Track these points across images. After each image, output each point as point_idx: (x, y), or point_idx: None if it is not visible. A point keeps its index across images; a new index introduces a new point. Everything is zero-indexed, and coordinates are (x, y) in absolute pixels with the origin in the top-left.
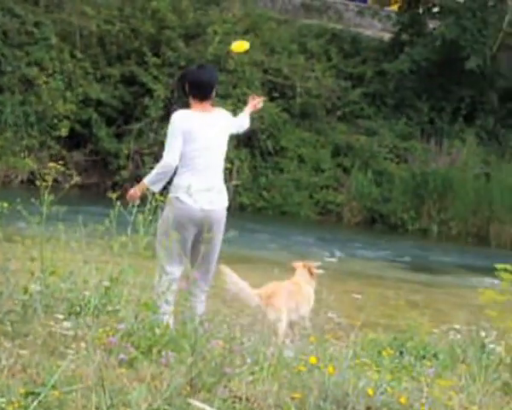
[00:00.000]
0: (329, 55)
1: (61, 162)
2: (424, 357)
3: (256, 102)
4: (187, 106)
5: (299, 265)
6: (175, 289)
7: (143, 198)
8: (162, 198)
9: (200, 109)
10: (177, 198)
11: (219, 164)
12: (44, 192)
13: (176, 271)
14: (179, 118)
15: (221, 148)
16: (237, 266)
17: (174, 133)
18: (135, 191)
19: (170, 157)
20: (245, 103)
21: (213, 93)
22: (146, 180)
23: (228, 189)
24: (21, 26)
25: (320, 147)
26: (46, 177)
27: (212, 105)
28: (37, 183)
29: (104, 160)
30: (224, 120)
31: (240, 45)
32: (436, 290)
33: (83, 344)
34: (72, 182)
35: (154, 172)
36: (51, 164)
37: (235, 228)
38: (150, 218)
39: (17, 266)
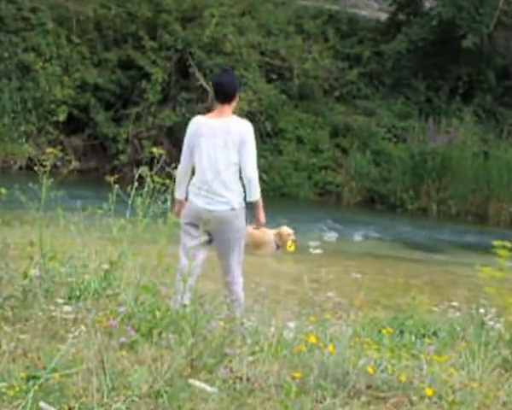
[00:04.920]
0: (326, 35)
1: (59, 147)
2: (424, 335)
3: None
4: (184, 89)
5: None
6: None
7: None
8: (160, 180)
9: (216, 114)
10: (187, 199)
11: (223, 170)
12: (43, 177)
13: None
14: (191, 125)
15: (225, 156)
16: None
17: (185, 140)
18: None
19: (180, 164)
20: (243, 85)
21: (233, 98)
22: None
23: None
24: (18, 11)
25: (318, 128)
26: (44, 162)
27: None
28: (36, 168)
29: (102, 144)
30: (233, 135)
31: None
32: (435, 269)
33: (83, 328)
34: (71, 167)
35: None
36: (49, 149)
37: None
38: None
39: (16, 251)
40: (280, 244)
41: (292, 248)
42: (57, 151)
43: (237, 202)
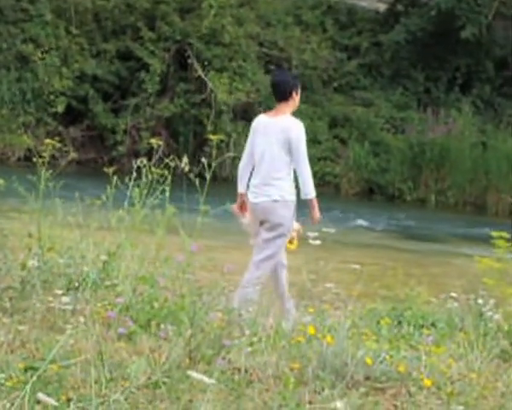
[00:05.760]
0: (325, 26)
1: (57, 138)
2: (422, 326)
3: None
4: (182, 80)
5: None
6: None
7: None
8: (158, 171)
9: (273, 113)
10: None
11: (269, 166)
12: (41, 169)
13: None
14: (254, 122)
15: (271, 154)
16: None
17: (248, 137)
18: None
19: (242, 159)
20: (241, 76)
21: (288, 96)
22: None
23: (223, 161)
24: (16, 2)
25: (317, 119)
26: (43, 153)
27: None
28: (34, 159)
29: (101, 135)
30: (281, 133)
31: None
32: (434, 259)
33: (81, 319)
34: (69, 158)
35: None
36: (48, 140)
37: (233, 200)
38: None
39: (15, 242)
40: None
41: (292, 247)
42: (55, 142)
43: (279, 195)
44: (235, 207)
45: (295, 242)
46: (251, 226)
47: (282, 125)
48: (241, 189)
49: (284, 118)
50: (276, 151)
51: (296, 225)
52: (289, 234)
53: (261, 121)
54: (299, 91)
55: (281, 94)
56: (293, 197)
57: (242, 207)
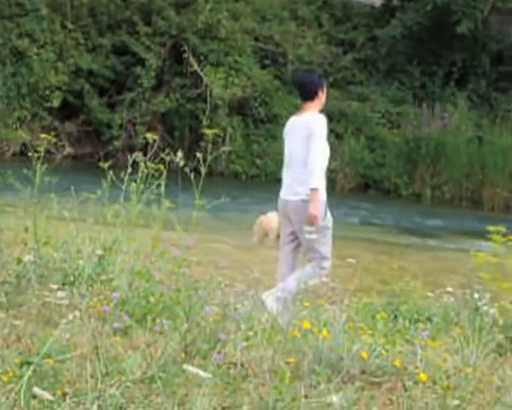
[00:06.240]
0: (321, 21)
1: (53, 133)
2: (418, 320)
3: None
4: (178, 75)
5: None
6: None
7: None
8: (153, 166)
9: (299, 112)
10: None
11: (296, 164)
12: (36, 163)
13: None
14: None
15: (298, 151)
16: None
17: None
18: None
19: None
20: (236, 71)
21: (314, 96)
22: None
23: (219, 156)
24: None
25: None
26: (38, 148)
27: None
28: (30, 154)
29: (97, 130)
30: (304, 130)
31: None
32: (429, 254)
33: (77, 313)
34: (65, 153)
35: None
36: (43, 135)
37: (228, 194)
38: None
39: (10, 237)
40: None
41: None
42: (51, 137)
43: (307, 194)
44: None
45: None
46: (281, 226)
47: (305, 122)
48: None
49: (308, 115)
50: (300, 149)
51: None
52: (326, 231)
53: (291, 122)
54: (325, 90)
55: (307, 93)
56: (324, 196)
57: None
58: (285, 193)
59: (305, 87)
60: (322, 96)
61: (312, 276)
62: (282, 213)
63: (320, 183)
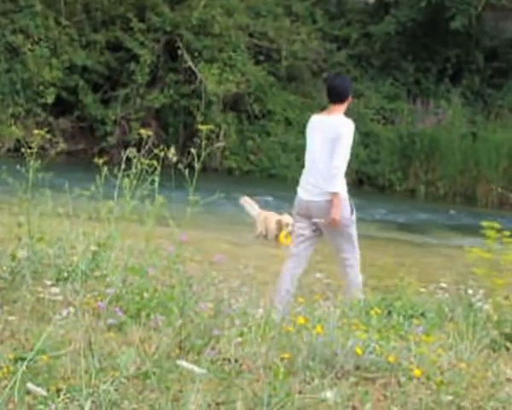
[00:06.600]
0: (315, 17)
1: (46, 129)
2: (412, 316)
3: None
4: (172, 71)
5: None
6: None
7: (129, 162)
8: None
9: (326, 113)
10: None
11: (321, 166)
12: (30, 159)
13: (294, 250)
14: (309, 121)
15: (323, 152)
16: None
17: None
18: None
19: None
20: (231, 67)
21: (343, 99)
22: None
23: (213, 152)
24: None
25: (306, 109)
26: (31, 144)
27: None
28: (23, 150)
29: (91, 126)
30: (332, 133)
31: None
32: (423, 250)
33: (71, 309)
34: (58, 148)
35: None
36: (37, 131)
37: (223, 190)
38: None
39: (4, 233)
40: (278, 233)
41: (288, 240)
42: (44, 133)
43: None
44: None
45: (289, 236)
46: (296, 225)
47: (334, 124)
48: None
49: (337, 117)
50: (330, 150)
51: (286, 219)
52: (353, 225)
53: (315, 121)
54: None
55: (337, 96)
56: (346, 194)
57: None
58: (307, 194)
59: (336, 90)
60: (349, 101)
61: (358, 273)
62: (303, 213)
63: (342, 186)
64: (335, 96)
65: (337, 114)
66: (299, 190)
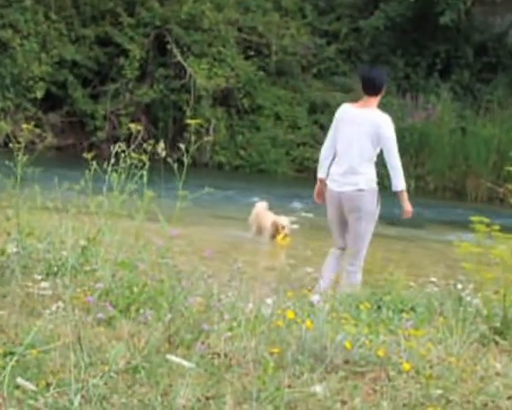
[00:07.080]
0: (304, 12)
1: (36, 124)
2: (402, 310)
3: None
4: (162, 66)
5: None
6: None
7: (119, 157)
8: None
9: (361, 104)
10: (326, 183)
11: (356, 158)
12: (18, 154)
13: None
14: (339, 109)
15: (359, 145)
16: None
17: (332, 123)
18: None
19: (324, 145)
20: (220, 62)
21: (379, 91)
22: None
23: (203, 147)
24: None
25: (296, 104)
26: (20, 139)
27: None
28: (11, 145)
29: (80, 121)
30: (370, 126)
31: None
32: (413, 244)
33: (61, 304)
34: (46, 143)
35: None
36: (25, 126)
37: (212, 185)
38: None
39: None
40: (273, 234)
41: (284, 242)
42: (32, 127)
43: (365, 184)
44: (315, 193)
45: (287, 238)
46: (330, 218)
47: (371, 119)
48: (322, 174)
49: (373, 111)
50: (365, 142)
51: (286, 221)
52: (375, 220)
53: (348, 111)
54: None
55: (374, 88)
56: (376, 186)
57: (320, 193)
58: (337, 185)
59: (372, 82)
60: (382, 93)
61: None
62: (335, 204)
63: (404, 183)
64: (371, 88)
65: (372, 106)
66: (329, 181)
